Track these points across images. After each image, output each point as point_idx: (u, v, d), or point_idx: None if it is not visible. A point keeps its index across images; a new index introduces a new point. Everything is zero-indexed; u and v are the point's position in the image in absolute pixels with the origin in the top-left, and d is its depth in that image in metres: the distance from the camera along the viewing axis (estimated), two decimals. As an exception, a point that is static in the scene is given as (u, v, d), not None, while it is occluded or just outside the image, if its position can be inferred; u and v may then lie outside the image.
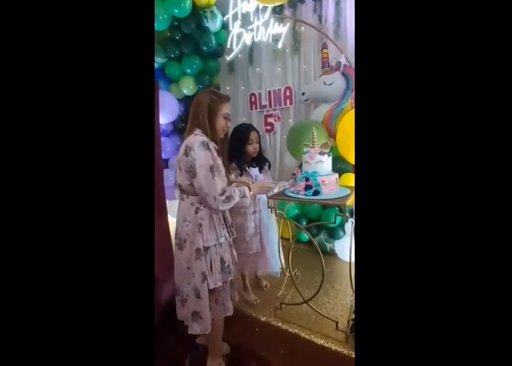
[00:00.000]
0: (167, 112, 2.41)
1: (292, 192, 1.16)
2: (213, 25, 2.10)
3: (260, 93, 2.47)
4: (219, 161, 1.05)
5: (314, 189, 1.10)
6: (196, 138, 0.99)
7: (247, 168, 1.34)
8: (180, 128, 2.58)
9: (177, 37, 2.17)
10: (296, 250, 1.92)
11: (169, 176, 2.49)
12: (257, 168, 1.40)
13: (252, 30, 1.99)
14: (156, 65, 2.29)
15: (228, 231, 1.11)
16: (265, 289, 1.52)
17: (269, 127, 2.51)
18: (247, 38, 2.03)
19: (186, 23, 2.07)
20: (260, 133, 2.53)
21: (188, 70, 2.29)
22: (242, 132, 1.34)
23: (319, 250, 1.13)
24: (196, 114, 1.04)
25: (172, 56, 2.24)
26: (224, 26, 2.17)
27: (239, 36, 2.05)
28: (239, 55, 2.41)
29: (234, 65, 2.53)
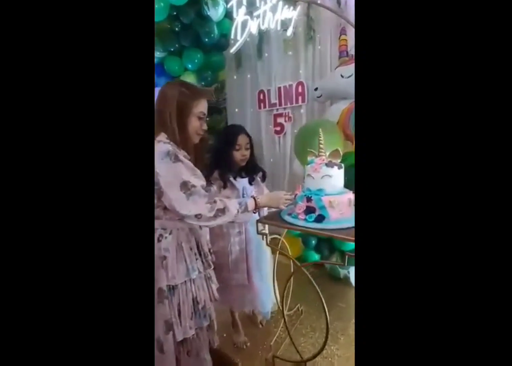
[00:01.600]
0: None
1: (290, 215, 0.89)
2: (215, 13, 1.87)
3: (269, 90, 2.21)
4: (198, 172, 0.82)
5: (317, 213, 0.82)
6: (158, 147, 0.75)
7: (231, 179, 1.09)
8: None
9: (176, 29, 1.97)
10: (301, 274, 1.62)
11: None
12: (246, 179, 1.14)
13: (258, 16, 1.73)
14: (154, 60, 2.11)
15: (203, 262, 0.86)
16: (261, 326, 1.26)
17: (278, 129, 2.25)
18: (253, 27, 1.78)
19: (185, 11, 1.86)
20: (270, 135, 2.31)
21: (189, 66, 2.08)
22: (228, 136, 1.10)
23: (320, 294, 0.85)
24: (161, 114, 0.81)
25: (172, 50, 2.04)
26: (228, 14, 1.94)
27: (244, 25, 1.81)
28: (247, 47, 2.18)
29: (241, 59, 2.28)
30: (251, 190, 1.17)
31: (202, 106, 0.84)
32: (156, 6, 1.80)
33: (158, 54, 2.08)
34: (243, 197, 1.14)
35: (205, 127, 0.87)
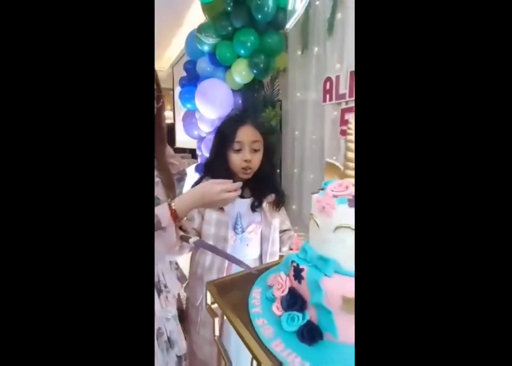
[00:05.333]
0: (218, 106, 2.00)
1: (270, 288, 0.43)
2: (270, -22, 1.49)
3: (338, 77, 1.67)
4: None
5: (306, 316, 0.35)
6: None
7: None
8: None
9: (228, 8, 1.69)
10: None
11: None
12: (248, 202, 0.73)
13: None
14: (207, 47, 1.90)
15: None
16: None
17: (345, 128, 1.67)
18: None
19: (235, -16, 1.55)
20: (336, 136, 1.76)
21: (242, 51, 1.77)
22: (227, 127, 0.71)
23: None
24: None
25: (224, 34, 1.78)
26: (288, -22, 1.52)
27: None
28: (316, 21, 1.71)
29: (308, 39, 1.82)
30: (251, 220, 0.75)
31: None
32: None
33: (211, 41, 1.86)
34: (236, 228, 0.74)
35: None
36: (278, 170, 2.02)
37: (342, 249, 0.35)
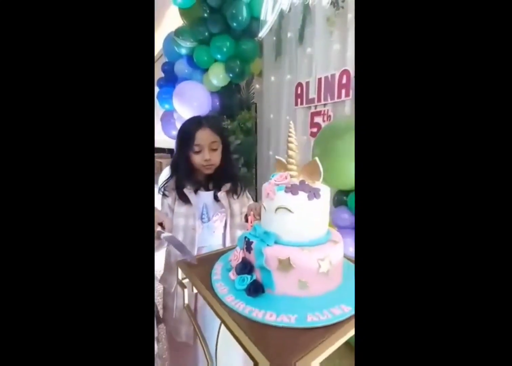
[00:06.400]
0: (195, 107, 2.06)
1: (229, 262, 0.53)
2: (244, -10, 1.60)
3: (308, 83, 1.81)
4: None
5: (253, 276, 0.45)
6: None
7: (186, 191, 0.80)
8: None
9: (205, 14, 1.78)
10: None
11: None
12: (211, 193, 0.83)
13: (292, -14, 1.38)
14: (185, 51, 1.97)
15: None
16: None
17: (315, 130, 1.82)
18: (284, 1, 1.42)
19: (211, -8, 1.64)
20: (307, 138, 1.90)
21: (218, 56, 1.86)
22: (186, 131, 0.80)
23: None
24: None
25: (201, 38, 1.86)
26: (260, -10, 1.63)
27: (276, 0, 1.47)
28: (289, 30, 1.85)
29: (281, 47, 1.95)
30: (216, 210, 0.84)
31: None
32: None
33: (188, 45, 1.93)
34: (203, 217, 0.83)
35: None
36: (254, 169, 2.13)
37: (281, 225, 0.46)
